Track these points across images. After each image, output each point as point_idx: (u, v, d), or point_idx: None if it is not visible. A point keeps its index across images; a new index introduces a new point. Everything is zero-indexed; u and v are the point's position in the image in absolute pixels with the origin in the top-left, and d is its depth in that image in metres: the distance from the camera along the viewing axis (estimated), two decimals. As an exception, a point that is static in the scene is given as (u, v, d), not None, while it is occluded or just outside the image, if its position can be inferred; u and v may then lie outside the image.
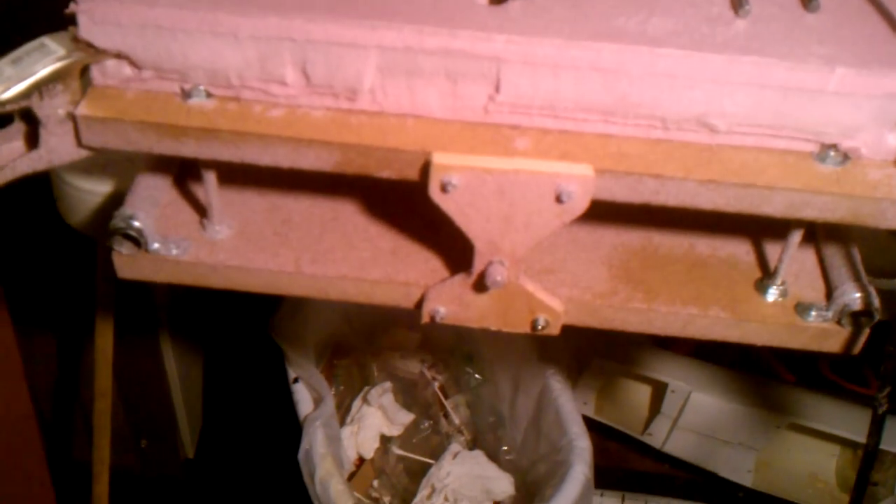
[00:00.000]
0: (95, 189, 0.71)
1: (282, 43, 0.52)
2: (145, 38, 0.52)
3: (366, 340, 1.23)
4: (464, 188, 0.53)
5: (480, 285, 0.58)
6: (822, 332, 0.61)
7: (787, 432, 1.26)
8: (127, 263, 0.61)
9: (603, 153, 0.53)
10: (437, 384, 1.22)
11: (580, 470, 0.99)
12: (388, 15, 0.52)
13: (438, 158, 0.52)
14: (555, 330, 0.61)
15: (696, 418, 1.27)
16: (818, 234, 0.64)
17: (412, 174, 0.53)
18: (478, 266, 0.57)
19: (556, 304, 0.60)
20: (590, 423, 1.31)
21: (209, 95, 0.54)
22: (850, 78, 0.51)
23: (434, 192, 0.53)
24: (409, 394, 1.20)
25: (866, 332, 0.60)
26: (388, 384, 1.17)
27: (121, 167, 0.69)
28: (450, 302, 0.60)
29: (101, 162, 0.68)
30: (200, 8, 0.51)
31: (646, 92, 0.52)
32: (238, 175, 0.54)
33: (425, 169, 0.52)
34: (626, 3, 0.55)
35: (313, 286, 0.61)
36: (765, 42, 0.53)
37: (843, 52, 0.53)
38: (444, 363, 1.24)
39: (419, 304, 0.61)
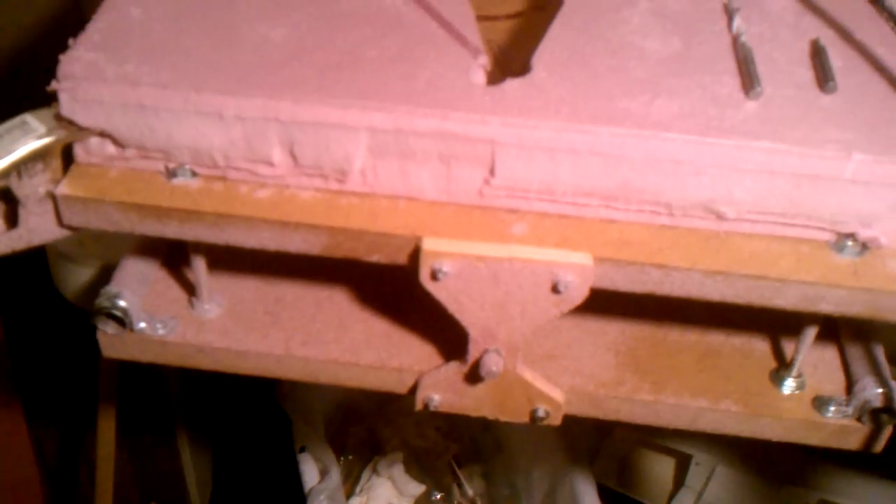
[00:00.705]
0: (89, 261, 0.70)
1: (268, 124, 0.50)
2: (128, 116, 0.50)
3: (378, 406, 1.20)
4: (456, 275, 0.50)
5: (475, 375, 0.55)
6: (842, 430, 0.57)
7: (818, 509, 1.21)
8: (112, 343, 0.59)
9: (604, 239, 0.51)
10: (451, 453, 1.18)
11: (595, 552, 0.95)
12: (379, 95, 0.50)
13: (428, 245, 0.49)
14: (556, 421, 0.58)
15: (721, 493, 1.22)
16: (838, 322, 0.61)
17: (402, 260, 0.51)
18: (472, 354, 0.55)
19: (556, 395, 0.57)
20: (611, 495, 1.27)
21: (194, 174, 0.52)
22: (868, 165, 0.48)
23: (425, 280, 0.50)
24: (421, 462, 1.16)
25: (889, 429, 0.56)
26: (398, 454, 1.14)
27: (115, 238, 0.67)
28: (444, 390, 0.58)
29: (94, 233, 0.66)
30: (185, 87, 0.49)
31: (649, 177, 0.49)
32: (230, 252, 0.52)
33: (415, 255, 0.50)
34: (629, 83, 0.52)
35: (304, 370, 0.59)
36: (777, 126, 0.50)
37: (861, 136, 0.49)
38: (459, 431, 1.21)
39: (413, 391, 0.59)
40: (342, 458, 1.12)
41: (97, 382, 0.99)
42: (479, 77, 0.53)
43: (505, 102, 0.50)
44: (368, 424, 1.19)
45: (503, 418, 0.59)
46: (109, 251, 0.66)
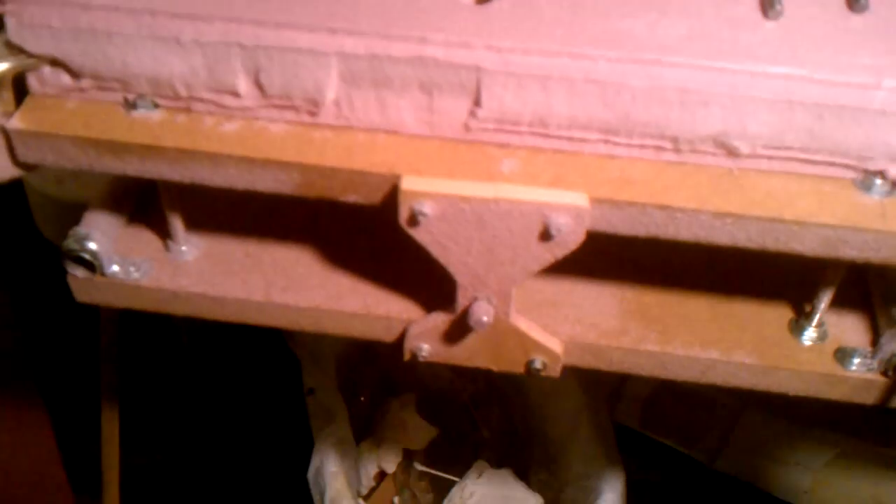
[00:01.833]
0: (67, 197, 0.66)
1: (230, 49, 0.45)
2: (80, 42, 0.46)
3: (392, 346, 1.17)
4: (438, 218, 0.45)
5: (465, 324, 0.51)
6: (866, 384, 0.52)
7: (847, 453, 1.17)
8: (83, 287, 0.56)
9: (602, 178, 0.46)
10: (466, 394, 1.15)
11: (611, 499, 0.92)
12: (351, 16, 0.45)
13: (407, 184, 0.45)
14: (554, 372, 0.54)
15: (748, 436, 1.19)
16: (865, 268, 0.55)
17: (379, 200, 0.46)
18: (461, 302, 0.50)
19: (554, 345, 0.53)
20: (635, 437, 1.24)
21: (156, 106, 0.48)
22: (900, 93, 0.43)
23: (404, 222, 0.46)
24: (436, 404, 1.13)
25: (918, 385, 0.51)
26: (411, 395, 1.11)
27: (92, 174, 0.64)
28: (433, 339, 0.54)
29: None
30: (139, 10, 0.45)
31: (653, 108, 0.44)
32: (208, 190, 0.48)
33: (393, 195, 0.45)
34: (633, 2, 0.46)
35: (284, 317, 0.55)
36: (798, 49, 0.44)
37: (893, 62, 0.44)
38: (475, 371, 1.17)
39: (401, 340, 0.55)
40: (355, 400, 1.10)
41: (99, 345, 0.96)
42: (466, -5, 0.47)
43: (492, 24, 0.45)
44: (382, 365, 1.16)
45: (497, 369, 0.55)
46: (88, 189, 0.62)
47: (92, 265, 0.54)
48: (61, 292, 0.57)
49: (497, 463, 1.10)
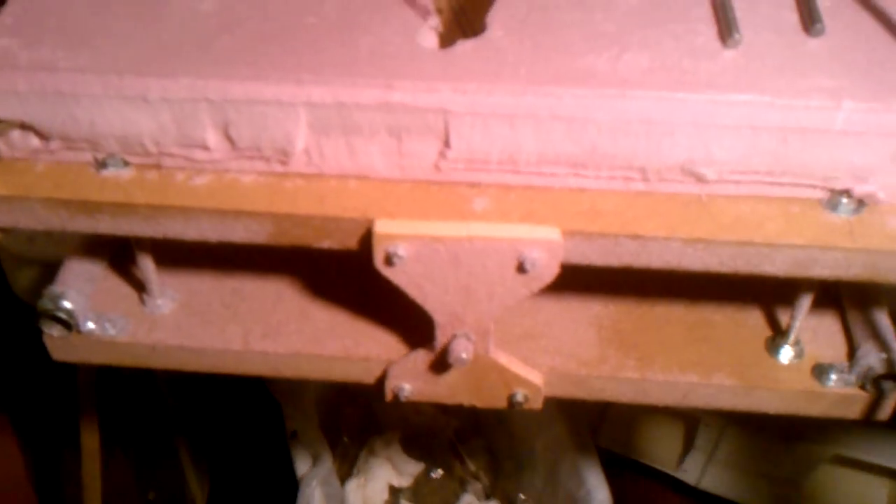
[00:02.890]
0: (40, 255, 0.66)
1: (198, 104, 0.45)
2: (47, 105, 0.46)
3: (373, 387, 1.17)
4: (413, 259, 0.46)
5: (445, 362, 0.51)
6: (844, 399, 0.53)
7: (833, 465, 1.17)
8: (60, 346, 0.55)
9: (574, 211, 0.46)
10: (451, 429, 1.15)
11: (599, 525, 0.91)
12: (317, 67, 0.45)
13: (381, 227, 0.45)
14: (536, 405, 0.54)
15: (732, 453, 1.19)
16: (838, 284, 0.56)
17: (354, 245, 0.47)
18: (440, 340, 0.51)
19: (534, 378, 0.53)
20: (619, 461, 1.24)
21: (126, 164, 0.48)
22: (860, 113, 0.44)
23: (380, 265, 0.46)
24: (420, 440, 1.13)
25: (895, 397, 0.52)
26: (395, 433, 1.11)
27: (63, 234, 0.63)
28: (414, 378, 0.54)
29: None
30: (105, 70, 0.45)
31: (619, 141, 0.45)
32: (181, 243, 0.48)
33: (367, 239, 0.46)
34: (594, 38, 0.47)
35: (264, 364, 0.55)
36: (758, 76, 0.45)
37: (851, 83, 0.45)
38: (458, 405, 1.17)
39: (382, 381, 0.55)
40: (338, 440, 1.09)
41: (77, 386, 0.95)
42: (430, 40, 0.48)
43: (456, 67, 0.45)
44: (364, 403, 1.15)
45: (480, 405, 0.55)
46: (60, 247, 0.61)
47: (68, 324, 0.54)
48: (38, 351, 0.57)
49: (484, 496, 1.10)
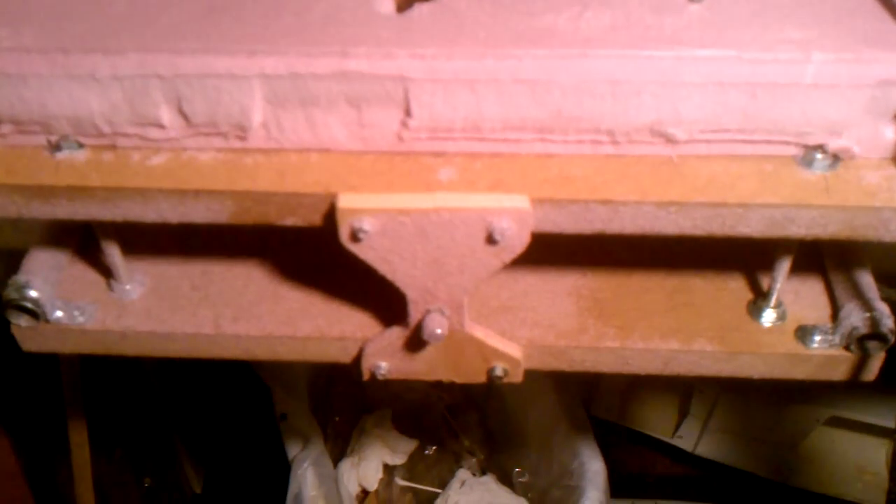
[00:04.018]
0: (3, 246, 0.64)
1: (148, 81, 0.44)
2: (-6, 88, 0.44)
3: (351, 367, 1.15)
4: (379, 233, 0.44)
5: (420, 338, 0.50)
6: (829, 361, 0.52)
7: (829, 427, 1.17)
8: (28, 336, 0.54)
9: (542, 178, 0.45)
10: (443, 404, 1.14)
11: (594, 497, 0.91)
12: (269, 36, 0.44)
13: (344, 202, 0.44)
14: (516, 378, 0.53)
15: (727, 418, 1.18)
16: (820, 243, 0.55)
17: (318, 221, 0.45)
18: (414, 316, 0.50)
19: (513, 351, 0.52)
20: (615, 429, 1.24)
21: (81, 146, 0.47)
22: (830, 65, 0.42)
23: (346, 241, 0.45)
24: (413, 417, 1.12)
25: (881, 356, 0.51)
26: (387, 411, 1.10)
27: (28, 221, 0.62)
28: (391, 356, 0.53)
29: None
30: (51, 49, 0.44)
31: (584, 103, 0.43)
32: (147, 225, 0.47)
33: (331, 215, 0.44)
34: None
35: (237, 348, 0.54)
36: (724, 30, 0.44)
37: (821, 33, 0.43)
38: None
39: (358, 360, 0.54)
40: (331, 420, 1.08)
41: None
42: (386, 5, 0.47)
43: (413, 31, 0.44)
44: (354, 383, 1.14)
45: (459, 380, 0.54)
46: (23, 233, 0.60)
47: (35, 313, 0.53)
48: (10, 343, 0.56)
49: (479, 470, 1.09)
